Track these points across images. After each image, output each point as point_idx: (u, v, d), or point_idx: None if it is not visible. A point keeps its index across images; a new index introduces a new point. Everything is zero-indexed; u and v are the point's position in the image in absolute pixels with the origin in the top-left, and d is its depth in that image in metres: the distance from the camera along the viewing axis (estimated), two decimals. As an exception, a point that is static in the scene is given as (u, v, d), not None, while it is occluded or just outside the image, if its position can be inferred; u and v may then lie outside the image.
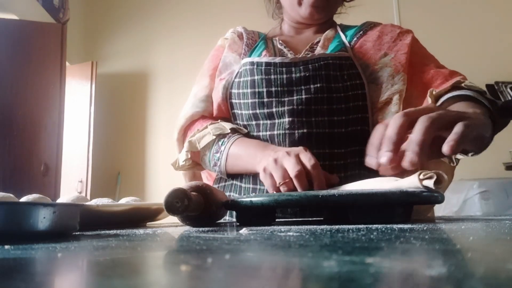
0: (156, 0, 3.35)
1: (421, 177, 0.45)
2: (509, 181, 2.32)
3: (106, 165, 3.09)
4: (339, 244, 0.25)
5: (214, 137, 0.76)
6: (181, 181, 0.87)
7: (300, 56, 0.80)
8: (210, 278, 0.16)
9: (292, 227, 0.43)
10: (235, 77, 0.81)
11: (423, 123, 0.46)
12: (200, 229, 0.45)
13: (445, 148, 0.45)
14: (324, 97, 0.74)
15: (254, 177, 0.75)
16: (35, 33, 2.35)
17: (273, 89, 0.75)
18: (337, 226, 0.41)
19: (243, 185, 0.76)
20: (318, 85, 0.74)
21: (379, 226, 0.39)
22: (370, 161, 0.50)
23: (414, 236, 0.28)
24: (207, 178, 0.90)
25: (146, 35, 3.31)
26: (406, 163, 0.45)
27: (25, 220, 0.33)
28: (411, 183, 0.46)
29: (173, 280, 0.16)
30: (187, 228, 0.49)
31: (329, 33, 0.86)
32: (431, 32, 2.42)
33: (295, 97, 0.74)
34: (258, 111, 0.77)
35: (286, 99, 0.75)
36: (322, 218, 0.65)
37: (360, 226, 0.39)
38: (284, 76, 0.75)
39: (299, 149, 0.63)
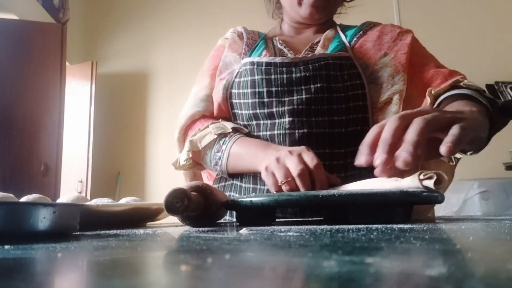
0: (156, 0, 3.35)
1: (421, 177, 0.45)
2: (509, 181, 2.32)
3: (106, 165, 3.09)
4: (339, 244, 0.25)
5: (216, 136, 0.76)
6: (181, 181, 0.87)
7: (300, 56, 0.80)
8: (210, 278, 0.16)
9: (292, 227, 0.43)
10: (235, 77, 0.81)
11: (417, 125, 0.46)
12: (200, 229, 0.45)
13: (443, 149, 0.45)
14: (324, 97, 0.74)
15: (254, 176, 0.75)
16: (35, 33, 2.35)
17: (273, 89, 0.75)
18: (337, 226, 0.41)
19: (243, 184, 0.76)
20: (318, 85, 0.74)
21: (379, 226, 0.39)
22: (360, 159, 0.51)
23: (414, 236, 0.28)
24: (207, 177, 0.90)
25: (146, 35, 3.31)
26: (399, 163, 0.46)
27: (25, 220, 0.33)
28: (411, 183, 0.46)
29: (173, 280, 0.16)
30: (187, 228, 0.49)
31: (329, 33, 0.86)
32: (431, 32, 2.42)
33: (295, 97, 0.74)
34: (258, 111, 0.77)
35: (286, 99, 0.75)
36: (322, 218, 0.65)
37: (360, 226, 0.39)
38: (284, 76, 0.75)
39: (302, 148, 0.63)
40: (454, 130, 0.47)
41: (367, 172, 0.59)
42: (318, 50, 0.82)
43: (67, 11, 2.89)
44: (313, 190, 0.57)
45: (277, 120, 0.75)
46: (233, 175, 0.78)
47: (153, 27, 3.31)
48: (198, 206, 0.47)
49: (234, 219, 0.71)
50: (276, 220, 0.57)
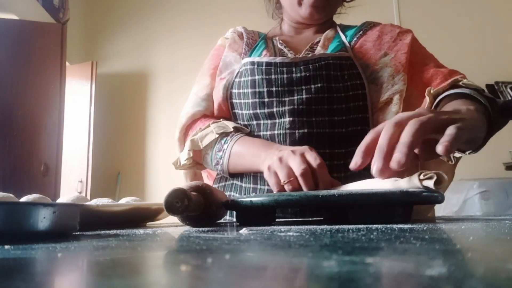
0: (156, 0, 3.35)
1: (421, 177, 0.45)
2: (509, 181, 2.32)
3: (106, 165, 3.09)
4: (339, 244, 0.25)
5: (217, 136, 0.76)
6: (181, 181, 0.87)
7: (300, 56, 0.80)
8: (210, 278, 0.16)
9: (292, 227, 0.43)
10: (235, 77, 0.81)
11: (411, 127, 0.47)
12: (200, 229, 0.45)
13: (439, 149, 0.46)
14: (325, 97, 0.74)
15: (254, 176, 0.75)
16: (35, 33, 2.35)
17: (274, 89, 0.75)
18: (337, 226, 0.41)
19: (243, 184, 0.76)
20: (319, 85, 0.74)
21: (379, 226, 0.39)
22: (354, 163, 0.51)
23: (414, 236, 0.28)
24: (208, 177, 0.90)
25: (146, 35, 3.31)
26: (393, 163, 0.46)
27: (25, 220, 0.33)
28: (411, 183, 0.46)
29: (173, 280, 0.16)
30: (187, 228, 0.49)
31: (329, 33, 0.86)
32: (431, 32, 2.42)
33: (295, 97, 0.74)
34: (258, 111, 0.77)
35: (286, 99, 0.75)
36: (322, 218, 0.65)
37: (360, 226, 0.39)
38: (285, 76, 0.75)
39: (305, 148, 0.63)
40: (450, 130, 0.47)
41: (367, 172, 0.59)
42: (318, 50, 0.82)
43: (67, 11, 2.89)
44: (317, 189, 0.57)
45: (277, 120, 0.75)
46: (234, 175, 0.78)
47: (153, 27, 3.31)
48: (198, 206, 0.47)
49: (234, 219, 0.71)
50: (276, 220, 0.57)
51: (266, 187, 0.73)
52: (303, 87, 0.75)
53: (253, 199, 0.50)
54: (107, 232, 0.44)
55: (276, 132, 0.75)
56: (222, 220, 0.67)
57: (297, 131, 0.73)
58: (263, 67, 0.77)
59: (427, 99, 0.68)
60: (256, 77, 0.77)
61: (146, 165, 3.14)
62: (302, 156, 0.61)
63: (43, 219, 0.34)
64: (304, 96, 0.74)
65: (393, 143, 0.47)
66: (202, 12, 3.24)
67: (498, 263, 0.17)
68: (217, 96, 0.82)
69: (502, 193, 2.27)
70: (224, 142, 0.76)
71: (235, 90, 0.80)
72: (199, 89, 0.87)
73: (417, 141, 0.46)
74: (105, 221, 0.56)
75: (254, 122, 0.78)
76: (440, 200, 0.46)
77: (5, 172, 2.11)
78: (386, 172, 0.48)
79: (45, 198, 0.56)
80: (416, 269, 0.16)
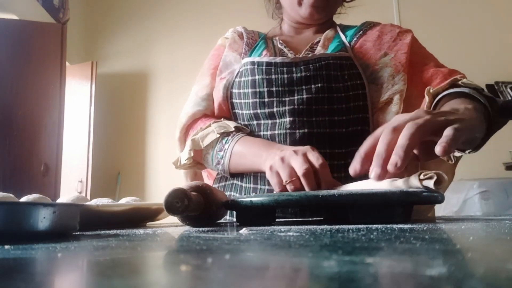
0: (156, 0, 3.35)
1: (421, 177, 0.45)
2: (509, 181, 2.32)
3: (106, 165, 3.09)
4: (339, 244, 0.25)
5: (218, 135, 0.76)
6: (181, 181, 0.87)
7: (300, 56, 0.80)
8: (210, 278, 0.16)
9: (292, 227, 0.43)
10: (235, 77, 0.81)
11: (409, 129, 0.47)
12: (200, 229, 0.45)
13: (438, 149, 0.46)
14: (325, 97, 0.74)
15: (255, 176, 0.75)
16: (35, 33, 2.35)
17: (274, 89, 0.75)
18: (337, 226, 0.41)
19: (243, 184, 0.76)
20: (319, 85, 0.74)
21: (379, 226, 0.39)
22: (352, 168, 0.52)
23: (414, 236, 0.28)
24: (208, 176, 0.90)
25: (146, 35, 3.31)
26: (390, 166, 0.47)
27: (25, 220, 0.33)
28: (411, 183, 0.46)
29: (173, 280, 0.16)
30: (187, 228, 0.49)
31: (329, 33, 0.86)
32: (431, 32, 2.42)
33: (296, 97, 0.74)
34: (259, 111, 0.77)
35: (287, 99, 0.75)
36: (322, 218, 0.65)
37: (360, 226, 0.39)
38: (285, 76, 0.75)
39: (307, 148, 0.63)
40: (448, 132, 0.47)
41: (367, 172, 0.59)
42: (318, 50, 0.82)
43: (67, 11, 2.89)
44: (319, 190, 0.57)
45: (277, 120, 0.75)
46: (234, 175, 0.78)
47: (153, 27, 3.31)
48: (198, 206, 0.47)
49: (234, 219, 0.71)
50: (276, 220, 0.57)
51: (267, 187, 0.73)
52: (304, 87, 0.75)
53: (253, 199, 0.50)
54: (107, 232, 0.44)
55: (276, 132, 0.75)
56: (222, 220, 0.67)
57: (297, 131, 0.73)
58: (264, 67, 0.77)
59: (426, 99, 0.68)
60: (257, 77, 0.77)
61: (146, 165, 3.14)
62: (304, 155, 0.61)
63: (43, 219, 0.34)
64: (304, 96, 0.74)
65: (391, 148, 0.48)
66: (202, 12, 3.24)
67: (498, 263, 0.17)
68: (217, 96, 0.82)
69: (502, 193, 2.27)
70: (225, 142, 0.76)
71: (235, 90, 0.80)
72: (199, 89, 0.87)
73: (414, 145, 0.47)
74: (105, 221, 0.56)
75: (255, 122, 0.78)
76: (440, 200, 0.46)
77: (5, 172, 2.11)
78: (384, 177, 0.48)
79: (45, 198, 0.56)
80: (416, 269, 0.16)
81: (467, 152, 0.63)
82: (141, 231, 0.45)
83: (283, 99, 0.75)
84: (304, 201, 0.47)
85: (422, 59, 0.81)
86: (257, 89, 0.76)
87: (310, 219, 0.67)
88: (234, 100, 0.80)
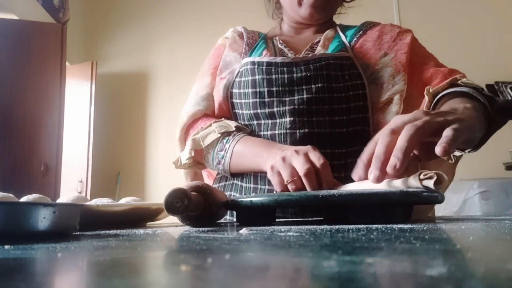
0: (156, 0, 3.35)
1: (421, 177, 0.45)
2: (509, 181, 2.32)
3: (106, 165, 3.09)
4: (339, 244, 0.25)
5: (219, 135, 0.76)
6: (181, 181, 0.87)
7: (301, 56, 0.80)
8: (210, 278, 0.16)
9: (292, 227, 0.43)
10: (235, 77, 0.81)
11: (407, 131, 0.47)
12: (200, 229, 0.45)
13: (438, 150, 0.46)
14: (325, 97, 0.74)
15: (255, 176, 0.75)
16: (35, 33, 2.35)
17: (274, 89, 0.75)
18: (337, 226, 0.41)
19: (244, 184, 0.76)
20: (319, 85, 0.74)
21: (379, 226, 0.39)
22: (355, 175, 0.52)
23: (414, 236, 0.28)
24: (208, 176, 0.90)
25: (146, 35, 3.31)
26: (389, 168, 0.47)
27: (25, 220, 0.33)
28: (409, 183, 0.46)
29: (173, 280, 0.16)
30: (187, 228, 0.49)
31: (329, 33, 0.86)
32: (431, 32, 2.42)
33: (296, 97, 0.74)
34: (259, 111, 0.77)
35: (287, 99, 0.75)
36: (322, 218, 0.65)
37: (360, 226, 0.39)
38: (286, 76, 0.76)
39: (308, 148, 0.63)
40: (448, 132, 0.48)
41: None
42: (319, 50, 0.82)
43: (67, 11, 2.89)
44: (320, 190, 0.57)
45: (278, 120, 0.75)
46: (234, 174, 0.78)
47: (153, 27, 3.31)
48: (198, 206, 0.47)
49: (234, 219, 0.71)
50: (276, 220, 0.57)
51: (267, 187, 0.73)
52: (304, 87, 0.75)
53: (253, 199, 0.50)
54: (107, 232, 0.44)
55: (276, 132, 0.75)
56: (222, 220, 0.67)
57: (297, 131, 0.73)
58: (264, 67, 0.77)
59: (426, 99, 0.68)
60: (257, 77, 0.77)
61: (146, 165, 3.14)
62: (306, 155, 0.61)
63: (43, 219, 0.34)
64: (304, 96, 0.74)
65: (390, 151, 0.48)
66: (202, 12, 3.24)
67: (498, 263, 0.17)
68: (218, 96, 0.82)
69: (502, 193, 2.27)
70: (226, 142, 0.76)
71: (235, 90, 0.80)
72: (199, 89, 0.87)
73: (413, 147, 0.47)
74: (105, 221, 0.56)
75: (255, 122, 0.78)
76: (440, 200, 0.46)
77: (5, 172, 2.11)
78: (383, 179, 0.48)
79: (45, 198, 0.56)
80: (416, 269, 0.16)
81: (467, 151, 0.63)
82: (141, 231, 0.45)
83: (284, 99, 0.75)
84: (304, 201, 0.47)
85: (422, 59, 0.81)
86: (258, 89, 0.76)
87: (310, 219, 0.67)
88: (234, 100, 0.80)
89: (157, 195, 2.98)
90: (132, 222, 0.60)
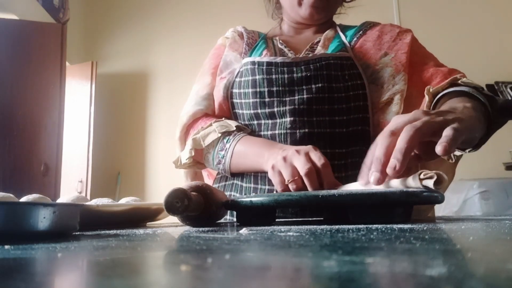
0: (156, 0, 3.35)
1: (421, 176, 0.45)
2: (509, 181, 2.32)
3: (106, 165, 3.09)
4: (339, 244, 0.25)
5: (219, 135, 0.76)
6: (181, 181, 0.87)
7: (301, 56, 0.80)
8: (210, 278, 0.16)
9: (292, 227, 0.43)
10: (236, 77, 0.81)
11: (407, 133, 0.48)
12: (200, 229, 0.45)
13: (438, 149, 0.46)
14: (325, 97, 0.74)
15: (255, 176, 0.75)
16: (35, 33, 2.35)
17: (275, 89, 0.75)
18: (337, 226, 0.41)
19: (244, 184, 0.76)
20: (320, 85, 0.74)
21: (379, 226, 0.39)
22: (361, 181, 0.52)
23: (414, 236, 0.28)
24: (208, 176, 0.90)
25: (146, 35, 3.31)
26: (389, 169, 0.47)
27: (25, 220, 0.33)
28: (408, 183, 0.46)
29: (173, 280, 0.16)
30: (187, 228, 0.49)
31: (329, 33, 0.86)
32: (431, 32, 2.42)
33: (296, 97, 0.74)
34: (259, 111, 0.77)
35: (287, 99, 0.75)
36: (322, 218, 0.65)
37: (360, 226, 0.39)
38: (286, 76, 0.76)
39: (309, 148, 0.63)
40: (447, 132, 0.48)
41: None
42: (319, 50, 0.82)
43: (67, 11, 2.89)
44: (321, 190, 0.57)
45: (278, 120, 0.75)
46: (234, 174, 0.78)
47: (153, 27, 3.31)
48: (198, 206, 0.47)
49: (234, 219, 0.71)
50: (276, 220, 0.57)
51: (267, 187, 0.73)
52: (304, 87, 0.75)
53: (253, 199, 0.50)
54: (107, 232, 0.44)
55: (277, 132, 0.75)
56: (222, 220, 0.67)
57: (298, 131, 0.73)
58: (264, 67, 0.77)
59: (426, 98, 0.68)
60: (257, 77, 0.77)
61: (146, 165, 3.14)
62: (307, 155, 0.61)
63: (43, 219, 0.34)
64: (305, 96, 0.74)
65: (390, 152, 0.48)
66: (202, 12, 3.24)
67: (498, 263, 0.17)
68: (218, 96, 0.82)
69: (502, 193, 2.27)
70: (227, 142, 0.76)
71: (235, 90, 0.80)
72: (200, 88, 0.87)
73: (412, 148, 0.47)
74: (105, 221, 0.56)
75: (255, 122, 0.78)
76: (440, 200, 0.46)
77: (5, 172, 2.11)
78: (384, 181, 0.48)
79: (45, 198, 0.56)
80: (416, 269, 0.16)
81: (467, 151, 0.63)
82: (141, 231, 0.45)
83: (284, 99, 0.75)
84: (304, 201, 0.47)
85: (422, 59, 0.81)
86: (258, 89, 0.76)
87: (310, 219, 0.67)
88: (234, 100, 0.80)
89: (157, 195, 2.98)
90: (132, 222, 0.60)
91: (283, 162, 0.62)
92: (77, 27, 3.17)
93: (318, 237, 0.30)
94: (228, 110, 0.82)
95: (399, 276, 0.15)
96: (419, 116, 0.51)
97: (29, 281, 0.16)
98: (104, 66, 3.22)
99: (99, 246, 0.29)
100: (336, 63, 0.76)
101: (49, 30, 2.40)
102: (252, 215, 0.52)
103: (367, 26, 0.86)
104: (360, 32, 0.84)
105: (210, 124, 0.78)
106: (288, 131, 0.73)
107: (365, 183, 0.51)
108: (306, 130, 0.73)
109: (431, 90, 0.67)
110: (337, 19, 0.93)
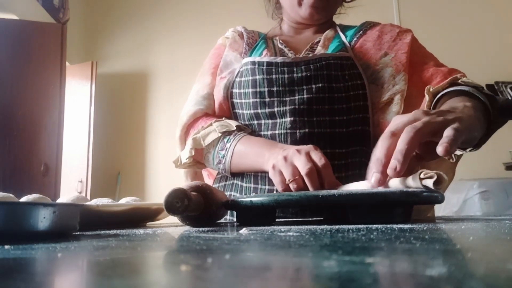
0: (156, 0, 3.35)
1: (421, 176, 0.45)
2: (509, 181, 2.32)
3: (106, 165, 3.09)
4: (339, 244, 0.25)
5: (220, 134, 0.76)
6: (181, 181, 0.87)
7: (301, 56, 0.80)
8: (210, 278, 0.16)
9: (292, 227, 0.43)
10: (236, 77, 0.81)
11: (407, 134, 0.48)
12: (200, 229, 0.45)
13: (439, 149, 0.46)
14: (326, 97, 0.74)
15: (255, 176, 0.75)
16: (35, 33, 2.35)
17: (275, 89, 0.75)
18: (337, 226, 0.41)
19: (244, 184, 0.76)
20: (320, 85, 0.74)
21: (379, 226, 0.39)
22: (368, 185, 0.52)
23: (414, 236, 0.28)
24: (208, 176, 0.90)
25: (146, 35, 3.31)
26: (389, 170, 0.47)
27: (25, 220, 0.33)
28: (408, 183, 0.46)
29: (173, 280, 0.16)
30: (187, 228, 0.49)
31: (329, 33, 0.86)
32: (431, 32, 2.42)
33: (296, 97, 0.74)
34: (259, 111, 0.77)
35: (287, 99, 0.75)
36: (322, 218, 0.65)
37: (360, 226, 0.39)
38: (286, 76, 0.76)
39: (310, 147, 0.63)
40: (448, 132, 0.48)
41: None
42: (319, 50, 0.82)
43: (67, 11, 2.89)
44: (321, 190, 0.57)
45: (278, 120, 0.75)
46: (235, 174, 0.78)
47: (153, 27, 3.31)
48: (198, 206, 0.47)
49: (234, 219, 0.71)
50: (276, 220, 0.57)
51: (267, 187, 0.73)
52: (304, 87, 0.75)
53: (253, 199, 0.50)
54: (107, 232, 0.44)
55: (277, 132, 0.75)
56: (222, 220, 0.67)
57: (298, 131, 0.73)
58: (264, 67, 0.77)
59: (426, 98, 0.68)
60: (257, 77, 0.77)
61: (146, 165, 3.14)
62: (307, 155, 0.61)
63: (43, 219, 0.34)
64: (305, 96, 0.74)
65: (390, 153, 0.48)
66: (202, 12, 3.24)
67: (498, 263, 0.17)
68: (218, 96, 0.82)
69: (502, 193, 2.27)
70: (227, 141, 0.76)
71: (235, 90, 0.80)
72: (200, 88, 0.87)
73: (413, 149, 0.47)
74: (105, 221, 0.56)
75: (255, 122, 0.78)
76: (440, 200, 0.46)
77: (5, 172, 2.11)
78: (384, 182, 0.48)
79: (45, 198, 0.56)
80: (416, 269, 0.16)
81: (468, 150, 0.63)
82: (141, 231, 0.45)
83: (284, 99, 0.75)
84: (304, 201, 0.47)
85: (422, 59, 0.81)
86: (258, 89, 0.76)
87: (310, 219, 0.67)
88: (234, 100, 0.80)
89: (157, 195, 2.98)
90: (132, 222, 0.60)
91: (283, 162, 0.62)
92: (77, 27, 3.17)
93: (318, 237, 0.30)
94: (228, 110, 0.82)
95: (399, 276, 0.15)
96: (420, 116, 0.51)
97: (29, 281, 0.16)
98: (104, 66, 3.22)
99: (99, 246, 0.29)
100: (336, 63, 0.76)
101: (49, 30, 2.40)
102: (252, 215, 0.52)
103: (367, 26, 0.86)
104: (360, 32, 0.84)
105: (211, 124, 0.78)
106: (288, 131, 0.73)
107: (372, 186, 0.51)
108: (306, 130, 0.73)
109: (431, 90, 0.67)
110: (337, 19, 0.93)
